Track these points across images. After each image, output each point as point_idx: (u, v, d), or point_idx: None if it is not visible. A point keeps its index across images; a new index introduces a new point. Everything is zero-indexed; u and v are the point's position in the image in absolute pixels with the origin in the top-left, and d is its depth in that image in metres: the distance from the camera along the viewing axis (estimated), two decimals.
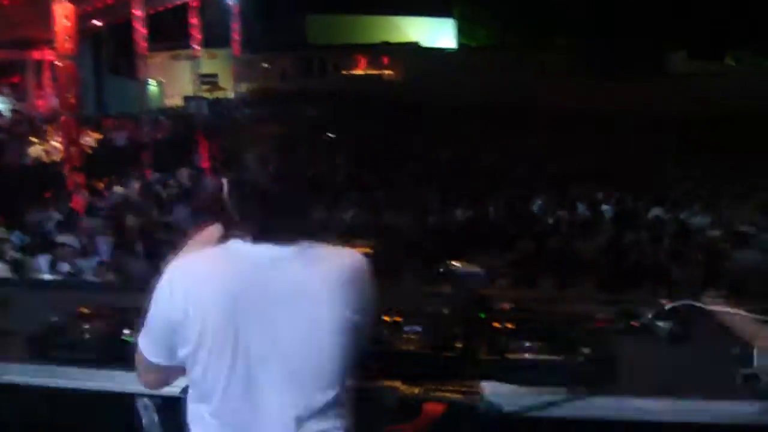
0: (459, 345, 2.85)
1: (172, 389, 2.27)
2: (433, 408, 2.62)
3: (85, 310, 3.12)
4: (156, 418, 2.76)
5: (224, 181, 2.16)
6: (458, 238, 10.91)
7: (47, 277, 8.67)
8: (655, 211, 12.36)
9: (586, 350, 2.77)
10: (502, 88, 26.77)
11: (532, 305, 3.52)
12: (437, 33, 39.82)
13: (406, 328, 2.97)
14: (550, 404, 2.61)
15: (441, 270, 3.51)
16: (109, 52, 31.11)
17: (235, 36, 33.54)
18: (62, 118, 17.05)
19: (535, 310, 3.39)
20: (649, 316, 3.21)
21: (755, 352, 2.72)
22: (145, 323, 2.13)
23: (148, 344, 2.14)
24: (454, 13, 39.57)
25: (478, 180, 15.76)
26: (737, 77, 28.33)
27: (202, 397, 2.07)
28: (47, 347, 2.94)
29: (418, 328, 2.96)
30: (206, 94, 32.12)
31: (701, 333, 3.14)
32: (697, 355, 2.99)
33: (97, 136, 22.00)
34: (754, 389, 2.63)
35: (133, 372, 2.27)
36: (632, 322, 3.21)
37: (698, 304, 3.35)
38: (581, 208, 12.81)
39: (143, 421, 2.79)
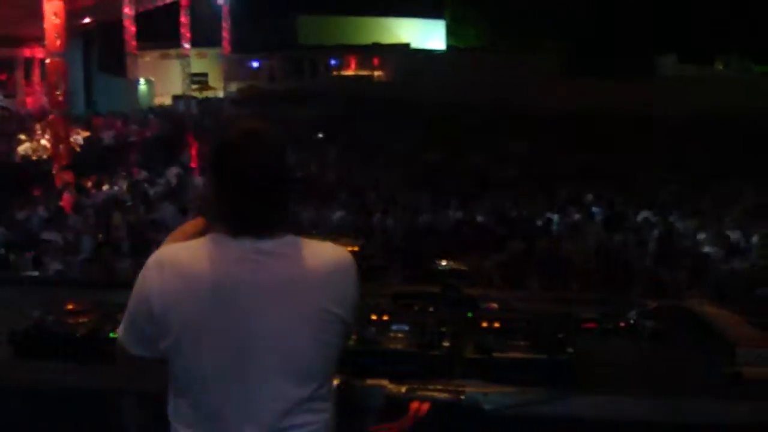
0: (446, 344, 2.85)
1: (156, 385, 2.26)
2: (419, 407, 2.62)
3: (70, 307, 3.11)
4: (141, 414, 2.76)
5: (207, 173, 2.16)
6: (447, 238, 10.92)
7: (33, 273, 8.63)
8: (644, 214, 12.40)
9: (571, 350, 2.78)
10: (492, 89, 26.79)
11: (519, 305, 3.53)
12: (428, 34, 39.87)
13: (394, 327, 2.97)
14: (536, 403, 2.62)
15: (429, 269, 3.52)
16: (99, 51, 31.00)
17: (225, 35, 33.53)
18: (51, 116, 17.00)
19: (522, 309, 3.40)
20: (635, 316, 3.23)
21: (738, 351, 2.74)
22: (125, 314, 2.12)
23: (128, 335, 2.12)
24: (445, 14, 39.62)
25: (467, 180, 15.78)
26: (726, 81, 28.47)
27: (183, 390, 2.06)
28: (30, 344, 2.93)
29: (406, 327, 2.97)
30: (196, 93, 32.08)
31: (686, 333, 3.16)
32: (682, 355, 3.01)
33: (86, 134, 21.93)
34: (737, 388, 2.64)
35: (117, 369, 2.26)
36: (617, 323, 3.22)
37: (683, 305, 3.37)
38: (570, 209, 12.84)
39: (128, 417, 2.79)
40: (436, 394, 2.65)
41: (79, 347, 2.91)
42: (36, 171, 17.16)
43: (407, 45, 38.58)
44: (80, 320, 3.02)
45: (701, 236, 11.14)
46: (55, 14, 15.95)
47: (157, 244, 2.36)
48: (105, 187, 15.60)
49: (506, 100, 26.22)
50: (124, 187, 15.72)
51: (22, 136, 20.20)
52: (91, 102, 29.64)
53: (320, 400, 2.10)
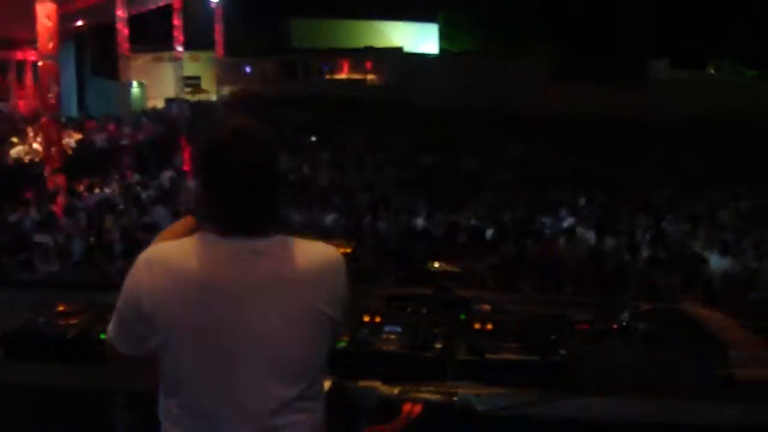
0: (438, 346, 2.85)
1: (146, 385, 2.25)
2: (412, 408, 2.62)
3: (61, 308, 3.10)
4: (131, 414, 2.75)
5: (196, 172, 2.16)
6: (440, 241, 10.92)
7: (24, 275, 8.62)
8: (637, 217, 12.43)
9: (564, 351, 2.78)
10: (485, 93, 26.83)
11: (512, 307, 3.53)
12: (421, 38, 39.86)
13: (386, 329, 2.97)
14: (528, 405, 2.62)
15: (422, 271, 3.52)
16: (92, 53, 30.95)
17: (219, 39, 33.49)
18: (43, 118, 16.96)
19: (515, 311, 3.40)
20: (627, 318, 3.23)
21: (730, 354, 2.74)
22: (115, 312, 2.11)
23: (117, 333, 2.11)
24: (438, 18, 39.63)
25: (460, 183, 15.80)
26: (719, 85, 28.55)
27: (172, 390, 2.05)
28: (21, 345, 2.92)
29: (398, 329, 2.96)
30: (188, 97, 32.02)
31: (678, 335, 3.16)
32: (674, 357, 3.01)
33: (78, 136, 21.89)
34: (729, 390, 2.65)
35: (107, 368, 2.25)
36: (610, 324, 3.22)
37: (676, 307, 3.38)
38: (563, 212, 12.86)
39: (118, 418, 2.78)
40: (428, 396, 2.65)
41: (70, 348, 2.90)
42: (28, 174, 17.12)
43: (400, 49, 38.57)
44: (71, 321, 3.01)
45: (694, 239, 11.17)
46: (48, 17, 15.92)
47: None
48: (97, 190, 15.56)
49: (499, 103, 26.26)
50: (117, 190, 15.69)
51: (15, 139, 20.15)
52: (84, 105, 29.59)
53: (310, 400, 2.09)
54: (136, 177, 17.25)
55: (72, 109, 27.40)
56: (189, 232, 2.23)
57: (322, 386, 2.18)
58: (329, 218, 12.37)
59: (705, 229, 11.57)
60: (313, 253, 2.14)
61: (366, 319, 3.04)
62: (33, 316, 3.03)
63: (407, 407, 2.61)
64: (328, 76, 36.88)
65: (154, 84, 31.87)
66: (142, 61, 31.69)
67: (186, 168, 18.92)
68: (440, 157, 19.17)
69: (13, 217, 12.39)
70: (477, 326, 3.04)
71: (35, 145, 19.09)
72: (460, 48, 38.16)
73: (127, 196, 14.71)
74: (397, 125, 23.94)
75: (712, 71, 32.27)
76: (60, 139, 17.32)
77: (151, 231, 10.76)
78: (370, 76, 36.25)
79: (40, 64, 16.83)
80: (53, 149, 16.59)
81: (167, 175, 17.26)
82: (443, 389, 2.68)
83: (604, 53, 28.76)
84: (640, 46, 29.37)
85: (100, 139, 22.53)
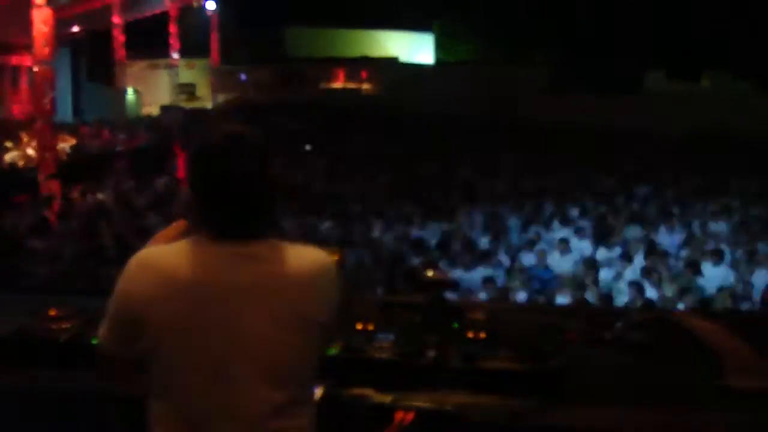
0: (431, 354, 2.85)
1: (138, 389, 2.24)
2: (404, 416, 2.61)
3: (53, 313, 3.09)
4: (123, 418, 2.73)
5: (188, 176, 2.15)
6: (434, 250, 10.93)
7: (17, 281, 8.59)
8: (630, 228, 12.44)
9: (557, 361, 2.78)
10: (480, 102, 26.88)
11: (505, 316, 3.53)
12: (416, 48, 39.92)
13: (379, 336, 2.96)
14: (521, 414, 2.61)
15: (415, 279, 3.51)
16: (88, 60, 30.94)
17: (214, 46, 33.54)
18: (38, 124, 16.94)
19: (508, 320, 3.40)
20: (622, 328, 3.23)
21: (725, 364, 2.74)
22: (106, 315, 2.11)
23: (108, 336, 2.10)
24: (434, 28, 39.69)
25: (455, 193, 15.80)
26: (714, 97, 28.63)
27: (163, 393, 2.04)
28: (13, 349, 2.91)
29: (391, 336, 2.96)
30: (184, 104, 32.01)
31: (673, 345, 3.16)
32: (668, 367, 3.00)
33: (73, 142, 21.86)
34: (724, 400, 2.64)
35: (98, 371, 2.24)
36: (604, 334, 3.22)
37: (670, 317, 3.38)
38: (557, 223, 12.87)
39: (110, 421, 2.76)
40: (421, 404, 2.65)
41: (62, 353, 2.89)
42: (22, 179, 17.09)
43: (396, 58, 38.63)
44: (63, 326, 3.01)
45: (688, 251, 11.20)
46: (44, 22, 15.91)
47: None
48: (91, 196, 15.53)
49: (495, 113, 26.32)
50: (111, 195, 15.67)
51: (9, 144, 20.12)
52: (79, 111, 29.57)
53: (300, 404, 2.08)
54: (131, 183, 17.22)
55: (67, 114, 27.37)
56: (181, 236, 2.23)
57: (312, 391, 2.17)
58: (324, 226, 12.35)
59: (699, 239, 11.60)
60: (304, 257, 2.13)
61: (359, 326, 3.04)
62: (25, 320, 3.02)
63: (400, 415, 2.61)
64: (323, 85, 36.92)
65: (149, 91, 31.87)
66: (137, 67, 31.70)
67: (180, 175, 18.89)
68: (435, 166, 19.17)
69: (6, 222, 12.35)
70: (470, 335, 3.04)
71: (30, 151, 19.05)
72: (455, 58, 38.20)
73: (122, 203, 14.69)
74: (391, 134, 23.96)
75: (707, 83, 32.38)
76: (54, 144, 17.30)
77: (145, 237, 10.76)
78: (365, 86, 36.28)
79: (35, 69, 16.80)
80: (47, 154, 16.56)
81: (161, 181, 17.24)
82: (436, 397, 2.67)
83: (601, 63, 28.87)
84: (636, 57, 29.49)
85: (94, 145, 22.51)
